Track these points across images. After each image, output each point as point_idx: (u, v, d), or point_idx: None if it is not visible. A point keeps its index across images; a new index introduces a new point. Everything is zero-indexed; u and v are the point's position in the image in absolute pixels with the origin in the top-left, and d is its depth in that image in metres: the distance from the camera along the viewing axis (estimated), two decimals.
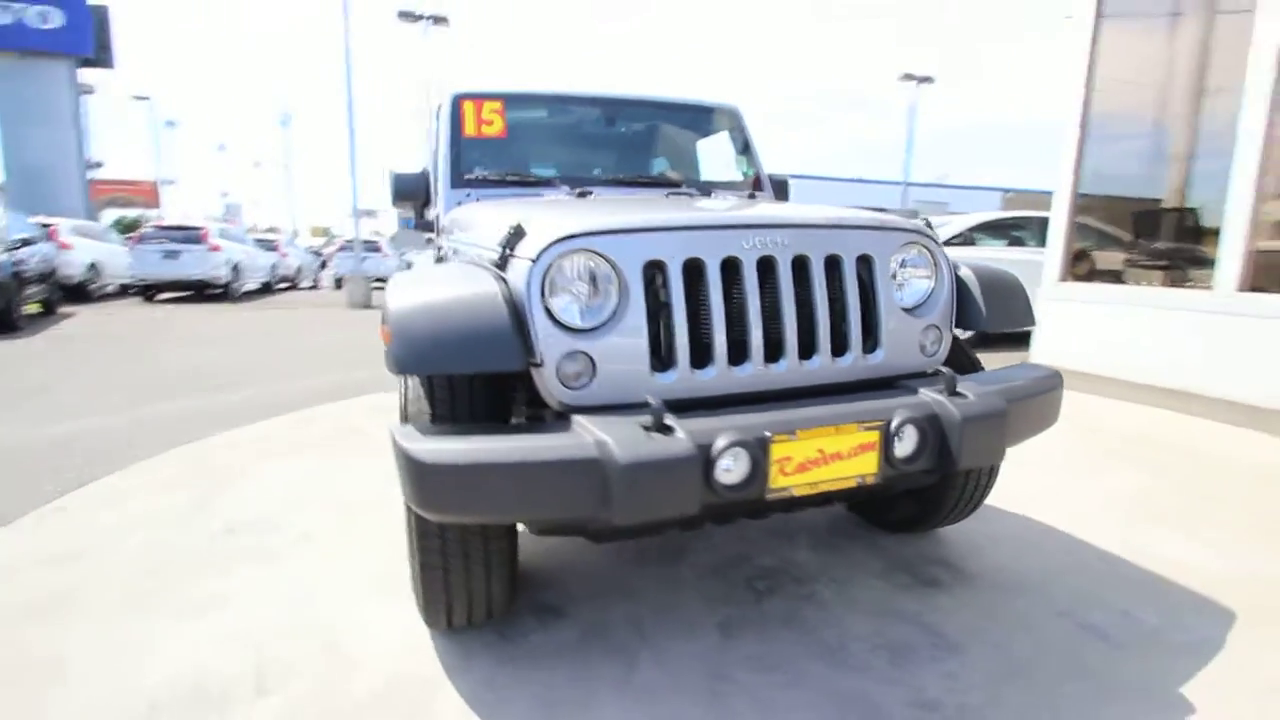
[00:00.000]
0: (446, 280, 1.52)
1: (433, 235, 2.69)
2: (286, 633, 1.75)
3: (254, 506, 2.62)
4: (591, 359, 1.44)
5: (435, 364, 1.37)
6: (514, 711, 1.45)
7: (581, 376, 1.44)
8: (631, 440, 1.25)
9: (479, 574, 1.53)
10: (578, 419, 1.36)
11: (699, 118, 3.01)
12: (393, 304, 1.41)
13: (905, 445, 1.46)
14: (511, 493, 1.27)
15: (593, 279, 1.46)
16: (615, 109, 2.86)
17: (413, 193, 2.63)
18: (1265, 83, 3.81)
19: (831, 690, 1.49)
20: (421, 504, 1.30)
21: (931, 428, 1.48)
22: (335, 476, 2.94)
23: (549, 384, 1.43)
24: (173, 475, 3.03)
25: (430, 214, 2.65)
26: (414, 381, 1.54)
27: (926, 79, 23.23)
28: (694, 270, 1.50)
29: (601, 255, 1.45)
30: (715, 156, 3.11)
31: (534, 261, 1.42)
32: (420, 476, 1.26)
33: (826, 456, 1.41)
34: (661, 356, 1.49)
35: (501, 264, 1.51)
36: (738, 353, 1.53)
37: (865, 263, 1.66)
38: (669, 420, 1.31)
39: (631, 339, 1.46)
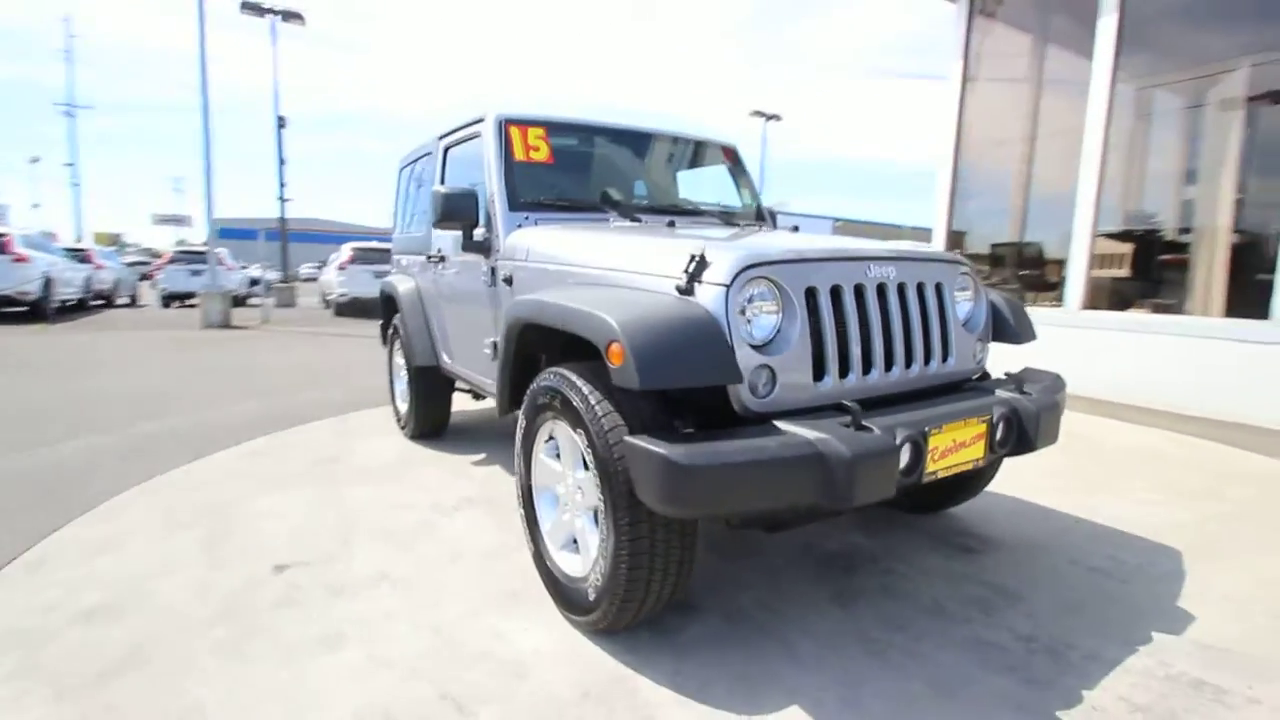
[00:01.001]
0: (656, 305, 1.64)
1: (484, 255, 2.69)
2: (440, 658, 1.73)
3: (285, 542, 2.44)
4: (772, 371, 1.66)
5: (674, 379, 1.50)
6: (719, 690, 1.60)
7: (766, 386, 1.66)
8: (849, 437, 1.49)
9: (673, 572, 1.67)
10: (780, 423, 1.57)
11: (709, 150, 3.31)
12: (623, 327, 1.52)
13: (1001, 434, 1.85)
14: (754, 486, 1.45)
15: (770, 301, 1.68)
16: (644, 140, 3.08)
17: (463, 213, 2.63)
18: (1095, 153, 4.93)
19: (954, 637, 1.82)
20: (673, 502, 1.43)
21: (1015, 419, 1.88)
22: (350, 507, 2.79)
23: (743, 394, 1.62)
24: (154, 515, 2.70)
25: (479, 235, 2.66)
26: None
27: (775, 116, 25.75)
28: (835, 294, 1.78)
29: (774, 281, 1.68)
30: (713, 185, 3.42)
31: (727, 287, 1.62)
32: (676, 477, 1.40)
33: (957, 445, 1.75)
34: (818, 367, 1.74)
35: (688, 290, 1.67)
36: (868, 362, 1.83)
37: (938, 287, 2.04)
38: (865, 420, 1.57)
39: (800, 353, 1.69)
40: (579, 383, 1.72)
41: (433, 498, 2.87)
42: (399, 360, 3.91)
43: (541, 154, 2.78)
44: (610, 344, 1.54)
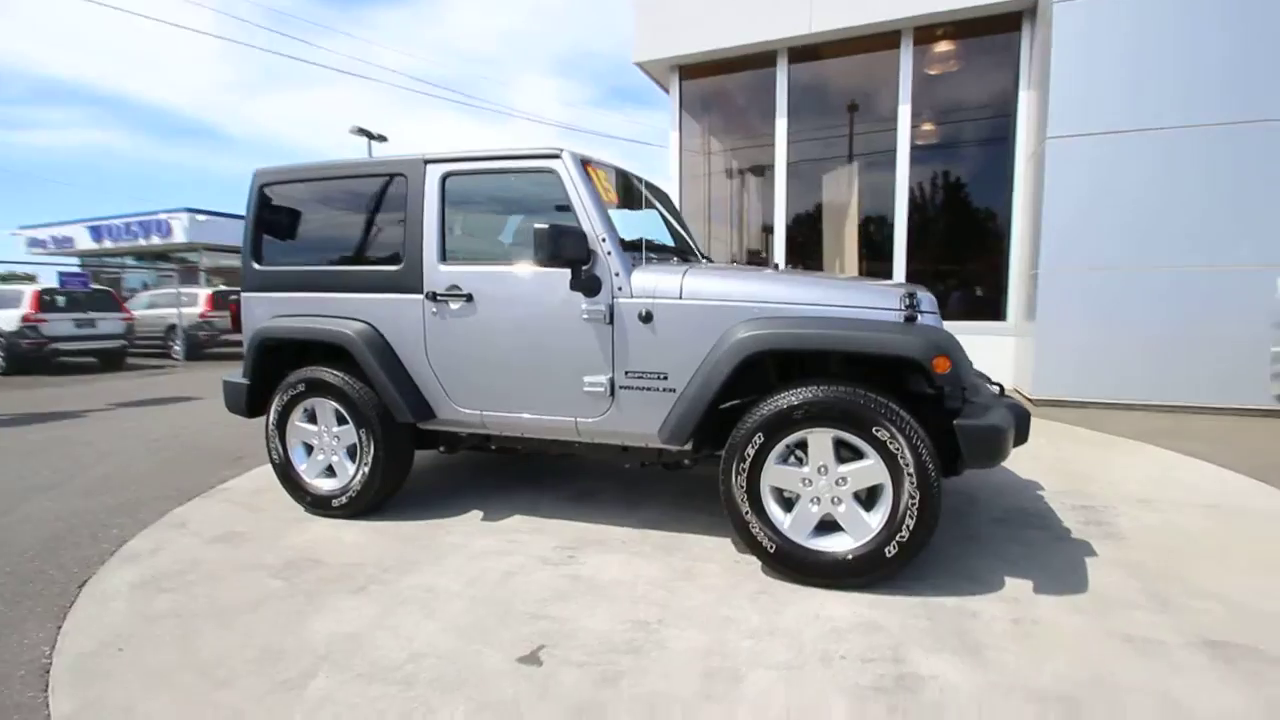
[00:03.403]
0: (909, 327, 2.29)
1: (589, 294, 2.62)
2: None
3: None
4: None
5: (968, 377, 2.19)
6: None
7: None
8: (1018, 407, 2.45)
9: None
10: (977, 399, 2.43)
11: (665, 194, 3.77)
12: (940, 344, 2.13)
13: None
14: (1014, 441, 2.27)
15: None
16: (656, 189, 3.38)
17: (574, 252, 2.54)
18: (902, 231, 7.05)
19: (1008, 540, 2.96)
20: (989, 458, 2.14)
21: None
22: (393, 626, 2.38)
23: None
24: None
25: (590, 273, 2.60)
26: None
27: (381, 137, 24.59)
28: None
29: None
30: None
31: (937, 314, 2.39)
32: (996, 438, 2.13)
33: None
34: None
35: (912, 318, 2.35)
36: None
37: None
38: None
39: None
40: (876, 402, 2.23)
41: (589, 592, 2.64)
42: (327, 425, 3.11)
43: (611, 197, 2.88)
44: (937, 358, 2.14)
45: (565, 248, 2.54)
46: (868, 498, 2.36)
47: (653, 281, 2.63)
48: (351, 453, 3.14)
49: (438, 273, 2.90)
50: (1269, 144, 4.84)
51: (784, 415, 2.32)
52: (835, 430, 2.30)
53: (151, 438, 5.18)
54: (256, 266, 3.29)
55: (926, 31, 6.57)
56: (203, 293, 12.93)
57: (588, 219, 2.69)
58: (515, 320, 2.80)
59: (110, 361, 11.22)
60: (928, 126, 6.83)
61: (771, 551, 2.39)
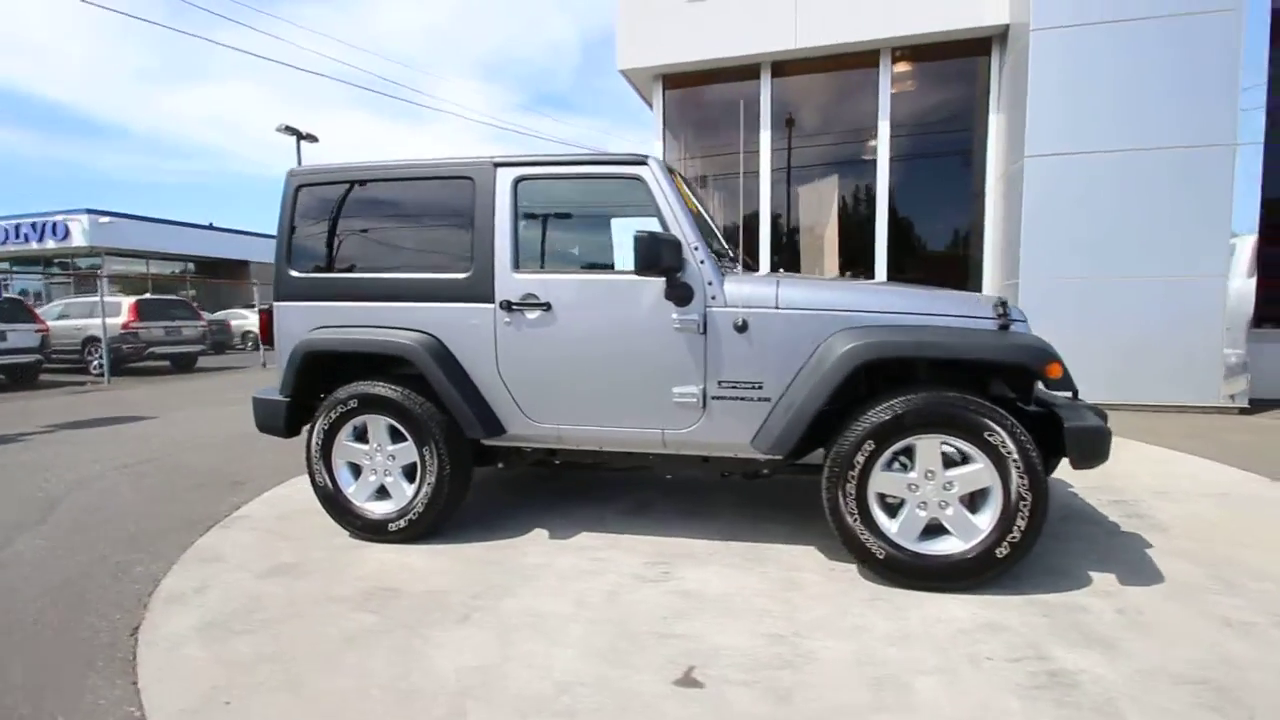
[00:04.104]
0: (1012, 334, 2.40)
1: (681, 304, 2.58)
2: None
3: None
4: None
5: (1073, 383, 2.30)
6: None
7: None
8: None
9: None
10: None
11: None
12: (1049, 350, 2.23)
13: None
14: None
15: None
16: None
17: (670, 261, 2.49)
18: (883, 240, 7.21)
19: (1070, 536, 3.10)
20: (1095, 459, 2.25)
21: None
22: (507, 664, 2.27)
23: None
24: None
25: (683, 281, 2.56)
26: None
27: (311, 137, 23.29)
28: None
29: None
30: None
31: (1026, 322, 2.50)
32: (1103, 440, 2.25)
33: None
34: None
35: (1006, 326, 2.44)
36: None
37: None
38: None
39: None
40: (987, 409, 2.31)
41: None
42: (380, 444, 2.90)
43: (691, 205, 2.85)
44: (1051, 364, 2.23)
45: (664, 256, 2.50)
46: (970, 501, 2.43)
47: (747, 290, 2.62)
48: (408, 473, 2.95)
49: (511, 281, 2.78)
50: (1216, 166, 5.38)
51: (895, 422, 2.36)
52: (944, 435, 2.36)
53: (121, 463, 4.68)
54: (293, 274, 3.05)
55: (904, 51, 6.91)
56: (126, 301, 11.83)
57: (678, 226, 2.65)
58: (599, 330, 2.72)
59: (21, 378, 10.08)
60: (905, 141, 7.17)
61: (881, 558, 2.42)
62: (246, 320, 21.50)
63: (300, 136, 23.09)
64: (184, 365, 12.82)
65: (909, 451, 2.42)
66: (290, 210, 3.05)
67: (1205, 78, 5.27)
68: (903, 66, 7.00)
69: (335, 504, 2.99)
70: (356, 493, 2.99)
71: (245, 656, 2.05)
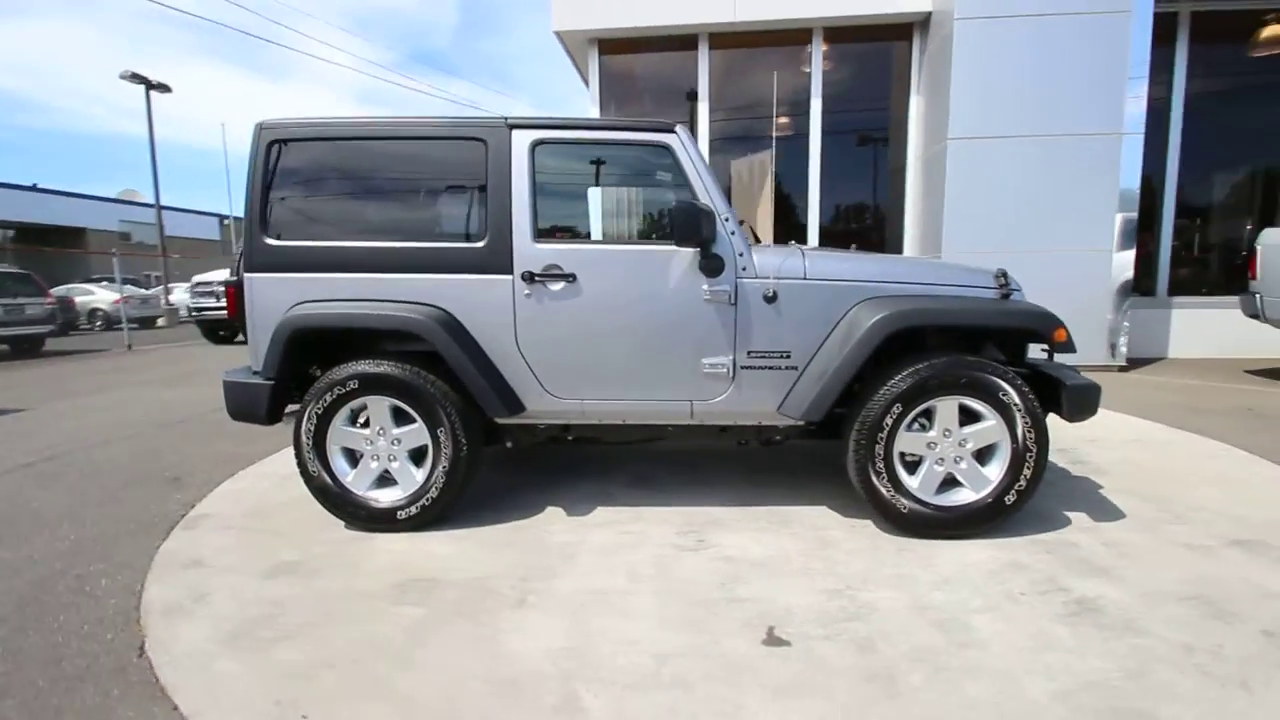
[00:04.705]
0: (1017, 303, 2.61)
1: (711, 275, 2.56)
2: None
3: None
4: None
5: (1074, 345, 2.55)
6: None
7: None
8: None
9: None
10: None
11: None
12: (1057, 316, 2.45)
13: None
14: None
15: None
16: None
17: (708, 232, 2.47)
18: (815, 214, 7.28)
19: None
20: (1089, 412, 2.53)
21: None
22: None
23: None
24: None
25: (714, 252, 2.54)
26: None
27: (163, 86, 20.24)
28: None
29: None
30: None
31: (1022, 291, 2.74)
32: (1095, 396, 2.54)
33: None
34: None
35: (1007, 295, 2.66)
36: None
37: None
38: None
39: None
40: (999, 370, 2.50)
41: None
42: (383, 428, 2.68)
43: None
44: (1058, 329, 2.46)
45: (703, 226, 2.48)
46: (978, 455, 2.66)
47: (776, 261, 2.67)
48: (415, 457, 2.76)
49: (533, 251, 2.64)
50: (1107, 152, 6.09)
51: (920, 385, 2.52)
52: (962, 397, 2.55)
53: (19, 463, 3.99)
54: (269, 242, 2.71)
55: (834, 32, 7.17)
56: None
57: (707, 196, 2.63)
58: (627, 302, 2.66)
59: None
60: (834, 118, 7.48)
61: (905, 512, 2.60)
62: (93, 296, 18.88)
63: (150, 86, 20.13)
64: (28, 350, 11.04)
65: (928, 412, 2.60)
66: (263, 169, 2.69)
67: (1102, 72, 5.92)
68: (832, 46, 7.27)
69: (331, 495, 2.74)
70: (356, 481, 2.76)
71: (298, 665, 1.86)
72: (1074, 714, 1.61)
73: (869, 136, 7.72)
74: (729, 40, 7.32)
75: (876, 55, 7.50)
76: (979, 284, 2.73)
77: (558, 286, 2.66)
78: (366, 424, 2.77)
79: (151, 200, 20.38)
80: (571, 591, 2.26)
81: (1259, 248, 5.65)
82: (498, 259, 2.65)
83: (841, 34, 7.23)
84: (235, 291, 2.78)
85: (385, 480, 2.80)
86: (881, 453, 2.57)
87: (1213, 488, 3.20)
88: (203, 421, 5.17)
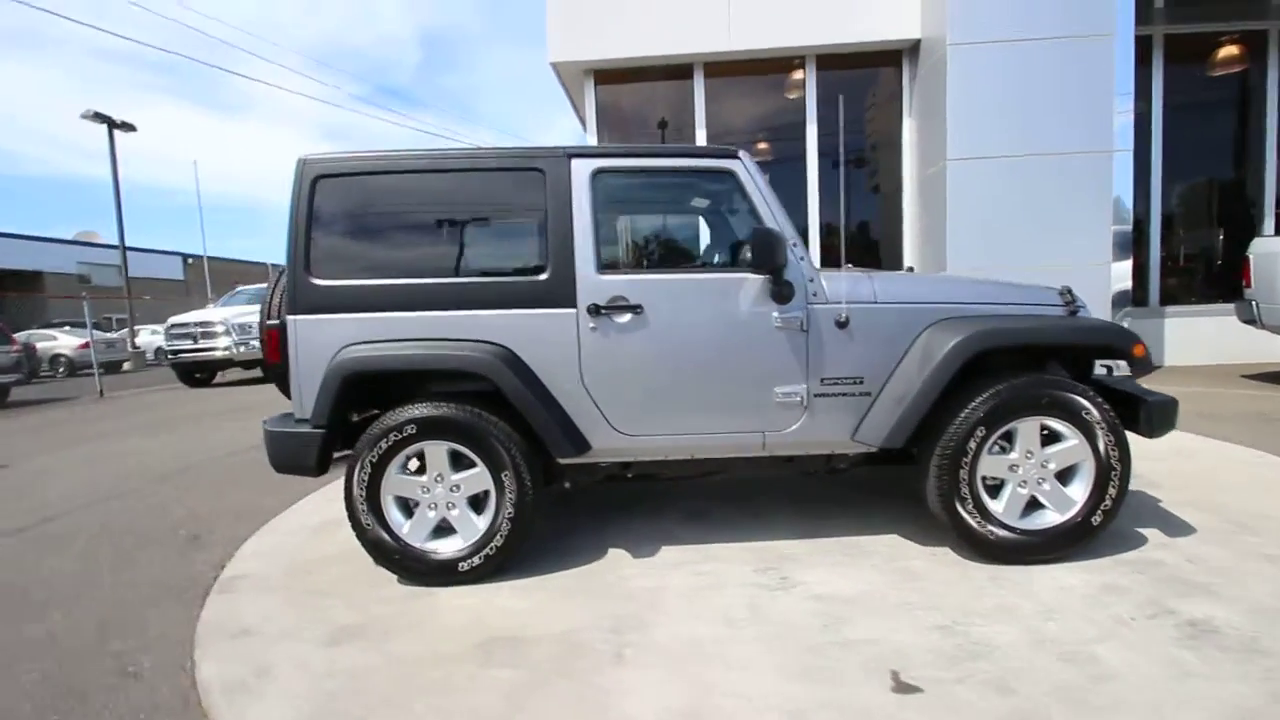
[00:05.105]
0: (1091, 320, 2.55)
1: (781, 301, 2.50)
2: None
3: None
4: None
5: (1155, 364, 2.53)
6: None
7: None
8: None
9: None
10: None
11: None
12: (1130, 330, 2.43)
13: None
14: None
15: None
16: None
17: (783, 257, 2.41)
18: (815, 236, 7.30)
19: None
20: (1169, 427, 2.50)
21: None
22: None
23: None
24: None
25: (786, 278, 2.47)
26: None
27: (128, 125, 19.72)
28: None
29: None
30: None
31: (1088, 308, 2.73)
32: (1175, 411, 2.51)
33: None
34: None
35: (1074, 312, 2.65)
36: None
37: None
38: None
39: None
40: (1081, 389, 2.48)
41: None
42: (440, 474, 2.53)
43: None
44: (1137, 345, 2.44)
45: (778, 252, 2.42)
46: (1060, 475, 2.61)
47: (845, 287, 2.61)
48: (473, 503, 2.60)
49: (597, 282, 2.54)
50: (1100, 169, 6.28)
51: (1003, 407, 2.47)
52: (1044, 417, 2.51)
53: (12, 527, 3.69)
54: (316, 282, 2.56)
55: (826, 59, 7.32)
56: None
57: (774, 221, 2.58)
58: (697, 332, 2.57)
59: None
60: (829, 141, 7.59)
61: (993, 540, 2.53)
62: (56, 342, 18.13)
63: (114, 125, 19.63)
64: None
65: (1009, 434, 2.55)
66: (307, 206, 2.56)
67: (1091, 92, 6.13)
68: (825, 72, 7.42)
69: (387, 549, 2.56)
70: (412, 533, 2.59)
71: None
72: None
73: (868, 161, 7.84)
74: (724, 69, 7.41)
75: (869, 81, 7.67)
76: (1046, 301, 2.72)
77: (624, 319, 2.56)
78: (420, 471, 2.61)
79: (108, 241, 19.72)
80: (669, 642, 2.12)
81: (1251, 257, 5.85)
82: (561, 292, 2.54)
83: (833, 61, 7.38)
84: (277, 336, 2.62)
85: (441, 530, 2.64)
86: (966, 478, 2.51)
87: (1267, 495, 3.21)
88: (201, 472, 4.89)
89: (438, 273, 2.60)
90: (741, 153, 2.61)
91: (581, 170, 2.57)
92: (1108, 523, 2.55)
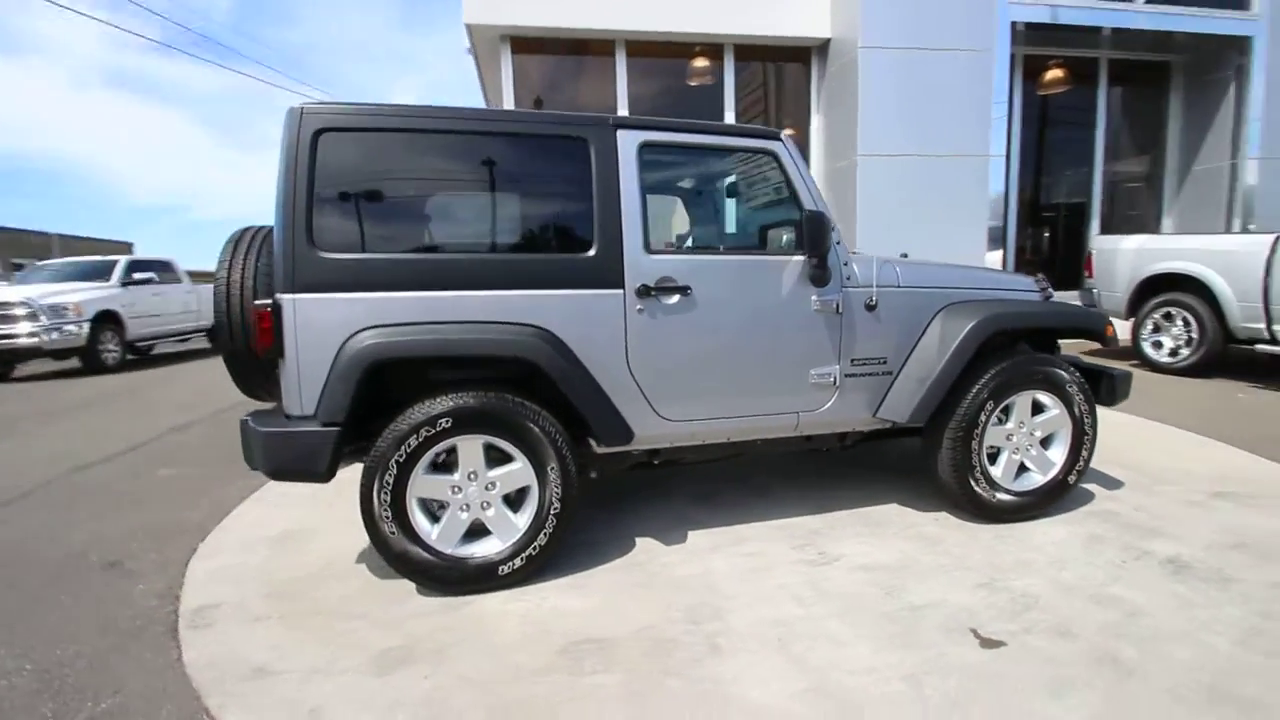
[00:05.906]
0: (1063, 304, 2.88)
1: (819, 285, 2.53)
2: None
3: None
4: None
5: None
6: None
7: None
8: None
9: None
10: None
11: None
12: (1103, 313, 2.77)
13: None
14: None
15: None
16: None
17: (829, 241, 2.44)
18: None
19: None
20: (1124, 397, 2.90)
21: None
22: None
23: None
24: None
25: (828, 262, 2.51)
26: None
27: None
28: None
29: None
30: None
31: (1051, 291, 3.08)
32: (1130, 383, 2.91)
33: None
34: None
35: (1048, 296, 2.98)
36: None
37: None
38: None
39: None
40: (1063, 364, 2.78)
41: None
42: (474, 471, 2.28)
43: None
44: (1109, 326, 2.79)
45: (827, 236, 2.46)
46: (1042, 441, 2.93)
47: (873, 270, 2.72)
48: (510, 501, 2.39)
49: (646, 262, 2.42)
50: (979, 171, 7.08)
51: (1006, 383, 2.73)
52: (1037, 391, 2.81)
53: None
54: (322, 255, 2.18)
55: (743, 50, 7.51)
56: None
57: (814, 205, 2.61)
58: (741, 314, 2.55)
59: None
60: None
61: (993, 502, 2.79)
62: None
63: None
64: None
65: (1006, 407, 2.83)
66: (309, 165, 2.16)
67: (975, 101, 6.88)
68: (742, 63, 7.62)
69: (414, 560, 2.27)
70: (442, 538, 2.33)
71: None
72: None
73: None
74: (647, 49, 7.34)
75: (782, 73, 8.00)
76: (1026, 287, 3.03)
77: (672, 300, 2.47)
78: (447, 469, 2.35)
79: None
80: (753, 626, 2.11)
81: (1093, 251, 6.93)
82: (608, 271, 2.39)
83: (749, 52, 7.60)
84: (268, 317, 2.20)
85: (475, 533, 2.40)
86: (976, 448, 2.74)
87: (1160, 452, 3.85)
88: (72, 484, 4.02)
89: (467, 248, 2.33)
90: (784, 134, 2.61)
91: (628, 142, 2.42)
92: (1080, 479, 2.92)
